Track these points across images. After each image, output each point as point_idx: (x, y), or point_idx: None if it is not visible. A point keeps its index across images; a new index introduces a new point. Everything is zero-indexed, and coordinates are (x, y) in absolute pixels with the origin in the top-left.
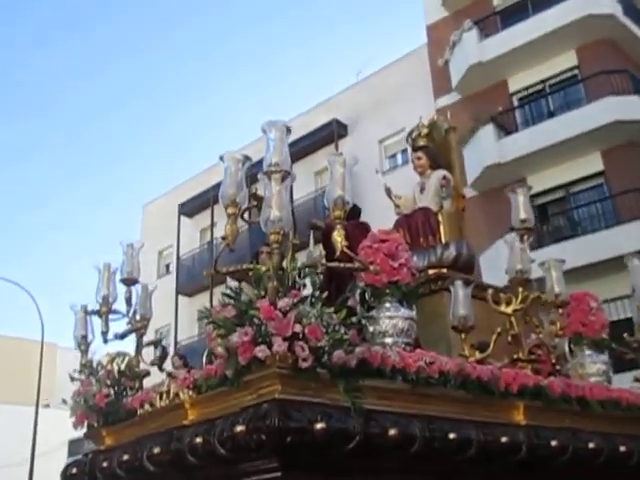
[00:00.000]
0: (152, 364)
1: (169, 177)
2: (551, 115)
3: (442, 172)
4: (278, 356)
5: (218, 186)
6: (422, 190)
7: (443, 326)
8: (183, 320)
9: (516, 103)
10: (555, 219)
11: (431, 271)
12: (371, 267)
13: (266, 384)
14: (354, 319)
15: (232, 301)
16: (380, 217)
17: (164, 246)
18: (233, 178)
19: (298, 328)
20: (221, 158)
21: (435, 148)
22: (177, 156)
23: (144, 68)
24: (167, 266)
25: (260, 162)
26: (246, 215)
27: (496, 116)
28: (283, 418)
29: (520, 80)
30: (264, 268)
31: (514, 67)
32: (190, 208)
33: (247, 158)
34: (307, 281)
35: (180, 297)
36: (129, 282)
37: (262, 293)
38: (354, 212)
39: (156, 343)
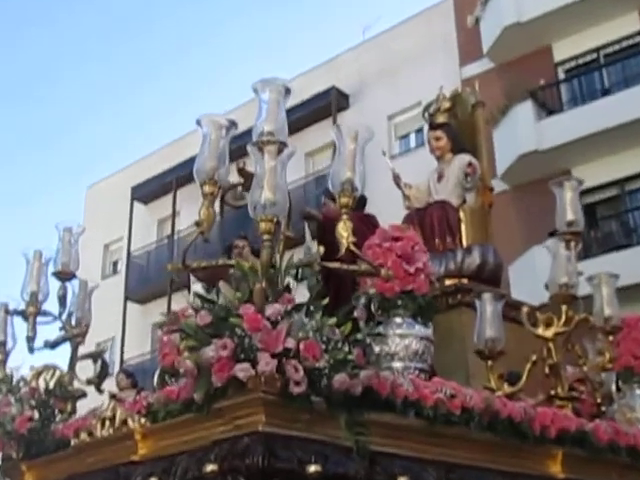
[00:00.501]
0: (89, 383)
1: (121, 153)
2: (606, 93)
3: (466, 157)
4: (264, 377)
5: (183, 165)
6: (440, 178)
7: (460, 350)
8: (132, 333)
9: (562, 76)
10: (605, 223)
11: (448, 281)
12: (382, 271)
13: (246, 413)
14: (359, 335)
15: (207, 305)
16: (386, 212)
17: (112, 239)
18: (213, 148)
19: (291, 343)
20: (198, 122)
21: (458, 127)
22: (135, 126)
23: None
24: (115, 264)
25: (249, 132)
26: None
27: (536, 91)
28: (268, 456)
29: (568, 47)
30: (248, 264)
31: (561, 30)
32: (146, 192)
33: (232, 124)
34: (296, 285)
35: (129, 304)
36: (64, 276)
37: (246, 297)
38: (359, 202)
39: (95, 356)
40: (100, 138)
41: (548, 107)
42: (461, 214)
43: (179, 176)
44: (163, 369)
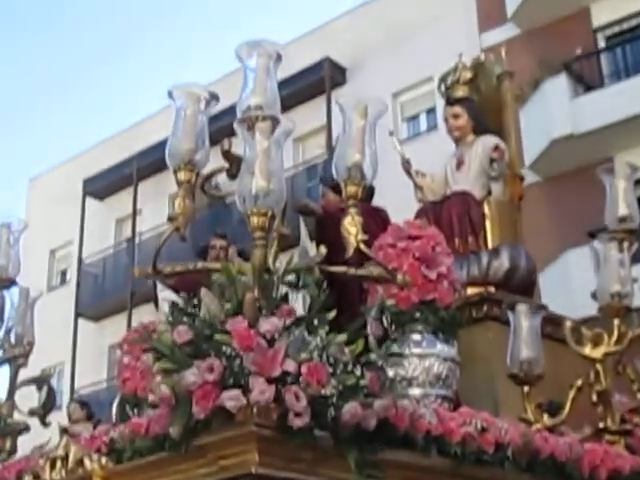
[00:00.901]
0: (33, 414)
1: (71, 139)
2: None
3: (492, 139)
4: (257, 408)
5: (145, 154)
6: (459, 165)
7: (486, 373)
8: (84, 356)
9: (602, 44)
10: None
11: (471, 290)
12: (398, 277)
13: (235, 451)
14: (373, 356)
15: (186, 319)
16: (395, 205)
17: (59, 243)
18: (189, 125)
19: (291, 365)
20: (170, 94)
21: (481, 103)
22: (89, 109)
23: None
24: (63, 273)
25: (230, 111)
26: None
27: (571, 63)
28: None
29: (609, 10)
30: (237, 269)
31: None
32: (100, 187)
33: (213, 96)
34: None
35: (81, 321)
36: (1, 283)
37: (234, 308)
38: (366, 192)
39: (40, 382)
40: (46, 122)
41: (586, 82)
42: (486, 208)
43: (140, 167)
44: (123, 397)
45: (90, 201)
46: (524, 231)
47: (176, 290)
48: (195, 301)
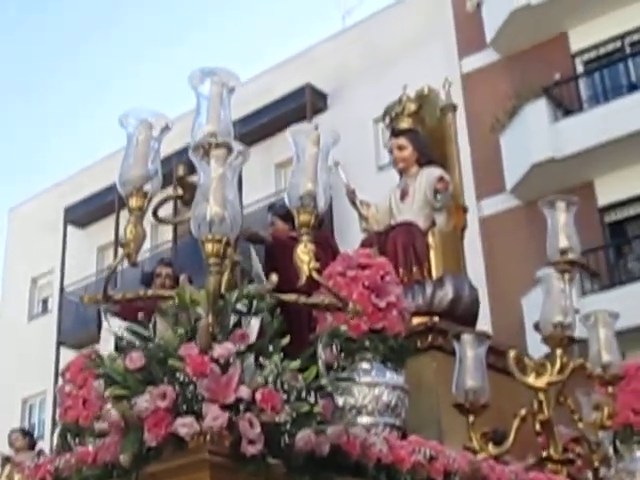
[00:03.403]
0: None
1: (52, 166)
2: (633, 88)
3: (437, 170)
4: (210, 434)
5: None
6: (404, 196)
7: (431, 402)
8: None
9: (581, 69)
10: (638, 244)
11: (416, 319)
12: (350, 305)
13: (187, 479)
14: (324, 381)
15: (139, 342)
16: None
17: (41, 271)
18: (141, 152)
19: (245, 392)
20: (121, 121)
21: (426, 135)
22: (69, 135)
23: None
24: (45, 302)
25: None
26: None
27: (551, 87)
28: None
29: (587, 34)
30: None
31: (578, 14)
32: (82, 215)
33: (165, 121)
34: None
35: (63, 350)
36: None
37: (187, 334)
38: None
39: None
40: (26, 148)
41: (565, 106)
42: (430, 239)
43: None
44: (65, 427)
45: (71, 229)
46: (507, 256)
47: (121, 317)
48: (144, 327)
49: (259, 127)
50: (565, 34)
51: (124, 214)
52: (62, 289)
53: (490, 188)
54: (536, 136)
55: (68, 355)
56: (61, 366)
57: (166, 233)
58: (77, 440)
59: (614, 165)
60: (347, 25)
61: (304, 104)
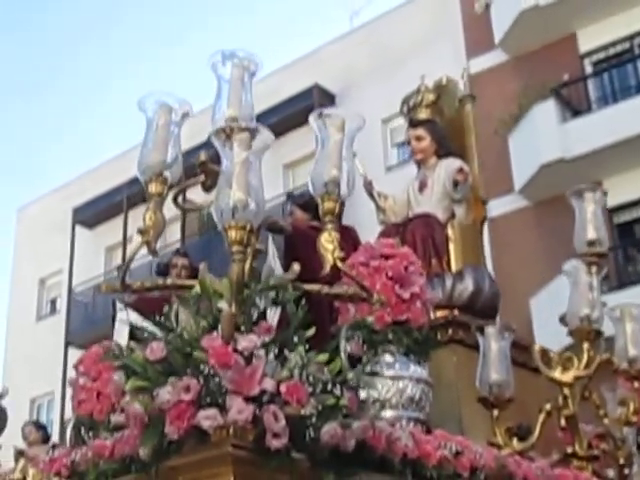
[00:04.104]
0: None
1: (60, 167)
2: None
3: (456, 162)
4: (234, 428)
5: (135, 182)
6: (422, 188)
7: (452, 397)
8: None
9: (590, 70)
10: None
11: (436, 313)
12: (375, 296)
13: (209, 473)
14: (350, 375)
15: (161, 333)
16: (372, 227)
17: (49, 272)
18: (161, 137)
19: (270, 384)
20: (140, 105)
21: (444, 126)
22: (77, 136)
23: None
24: (53, 302)
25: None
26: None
27: (560, 88)
28: None
29: (596, 35)
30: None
31: (587, 15)
32: (90, 215)
33: (186, 106)
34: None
35: (72, 350)
36: None
37: (208, 324)
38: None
39: None
40: (34, 150)
41: (574, 107)
42: (449, 231)
43: (130, 194)
44: (78, 420)
45: (80, 230)
46: (516, 257)
47: (136, 309)
48: (162, 319)
49: (267, 128)
50: (574, 35)
51: (132, 214)
52: (70, 289)
53: (498, 189)
54: (545, 137)
55: (76, 355)
56: (69, 366)
57: (174, 233)
58: (91, 433)
59: (623, 166)
60: (355, 26)
61: (312, 105)
